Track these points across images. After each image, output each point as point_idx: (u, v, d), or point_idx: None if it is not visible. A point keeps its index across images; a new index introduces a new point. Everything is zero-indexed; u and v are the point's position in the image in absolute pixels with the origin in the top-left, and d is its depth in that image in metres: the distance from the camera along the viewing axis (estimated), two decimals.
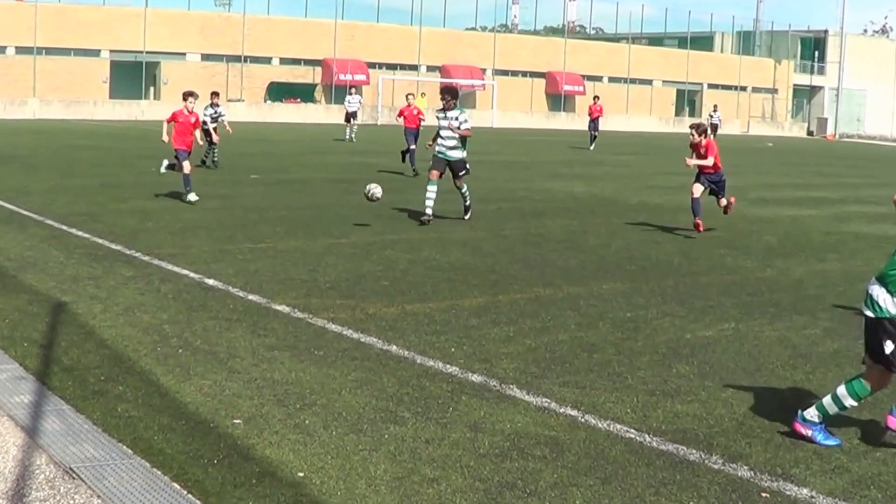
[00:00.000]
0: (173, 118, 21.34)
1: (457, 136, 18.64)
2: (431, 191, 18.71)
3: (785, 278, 14.98)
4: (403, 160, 30.85)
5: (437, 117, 18.94)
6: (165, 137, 21.43)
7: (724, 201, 19.68)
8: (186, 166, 20.96)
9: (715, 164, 19.10)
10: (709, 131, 19.46)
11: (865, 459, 7.39)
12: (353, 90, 52.23)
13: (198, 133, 21.92)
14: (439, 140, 18.84)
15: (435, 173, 18.83)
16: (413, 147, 30.48)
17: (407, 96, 34.77)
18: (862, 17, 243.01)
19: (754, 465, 7.15)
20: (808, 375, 9.57)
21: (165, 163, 21.90)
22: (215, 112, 30.26)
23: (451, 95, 18.80)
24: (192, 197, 20.64)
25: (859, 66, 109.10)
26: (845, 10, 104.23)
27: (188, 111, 21.27)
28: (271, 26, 77.49)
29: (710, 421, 8.05)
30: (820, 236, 20.10)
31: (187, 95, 21.51)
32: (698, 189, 19.11)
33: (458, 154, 18.84)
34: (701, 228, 18.78)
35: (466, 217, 19.49)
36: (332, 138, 49.15)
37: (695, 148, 19.15)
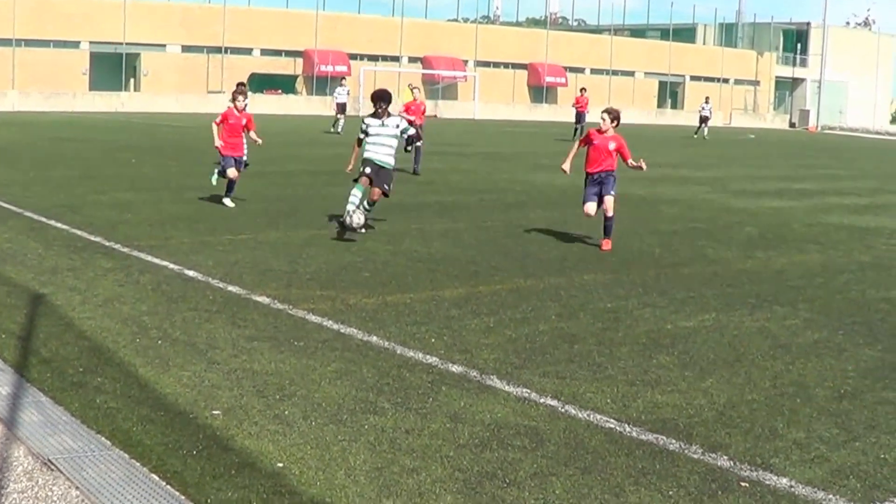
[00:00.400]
0: (223, 120, 19.58)
1: (394, 145, 16.63)
2: (356, 195, 15.95)
3: (766, 269, 15.01)
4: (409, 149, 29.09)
5: (368, 124, 16.44)
6: (218, 142, 19.38)
7: (609, 204, 16.22)
8: (232, 172, 19.08)
9: (607, 158, 16.41)
10: (621, 119, 16.84)
11: (844, 449, 7.40)
12: (344, 81, 52.06)
13: (253, 134, 19.78)
14: (371, 149, 16.38)
15: (366, 180, 16.21)
16: (419, 144, 27.86)
17: (412, 90, 32.29)
18: (844, 9, 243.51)
19: (734, 454, 7.16)
20: (787, 366, 9.59)
21: (216, 172, 19.89)
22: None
23: (386, 103, 16.57)
24: (228, 202, 19.17)
25: (841, 58, 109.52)
26: (828, 2, 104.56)
27: (238, 111, 19.54)
28: (252, 17, 77.33)
29: (689, 411, 8.06)
30: (801, 228, 20.15)
31: (237, 94, 19.82)
32: (591, 208, 16.30)
33: (392, 162, 16.68)
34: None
35: (359, 230, 16.00)
36: (322, 130, 48.97)
37: (597, 137, 16.42)
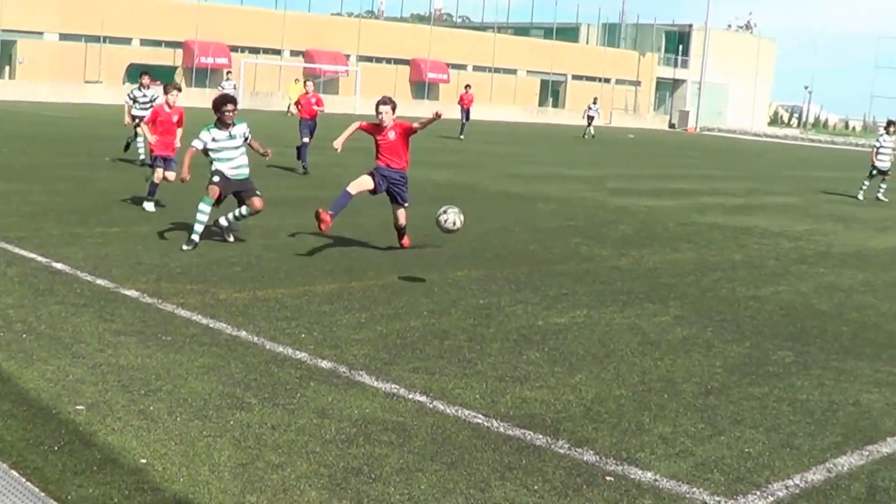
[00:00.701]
0: (153, 117, 18.40)
1: (245, 151, 14.88)
2: (205, 211, 14.36)
3: (639, 267, 15.19)
4: (299, 156, 27.47)
5: (214, 139, 14.55)
6: (152, 138, 18.20)
7: (402, 217, 15.08)
8: (158, 174, 17.83)
9: (404, 156, 14.93)
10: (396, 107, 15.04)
11: (709, 444, 7.53)
12: (228, 73, 51.37)
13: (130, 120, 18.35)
14: (225, 163, 14.66)
15: (217, 190, 14.51)
16: (307, 141, 27.36)
17: (305, 83, 30.86)
18: (727, 11, 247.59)
19: (600, 449, 7.23)
20: (656, 362, 9.73)
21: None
22: (144, 95, 25.14)
23: (234, 104, 14.84)
24: (149, 206, 17.68)
25: (722, 60, 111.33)
26: (710, 5, 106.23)
27: (170, 106, 18.36)
28: (132, 6, 76.10)
29: (557, 406, 8.13)
30: (675, 226, 20.43)
31: (170, 88, 18.54)
32: (366, 182, 14.67)
33: (248, 171, 14.94)
34: (326, 226, 14.11)
35: (232, 239, 15.01)
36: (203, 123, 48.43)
37: (377, 132, 14.87)
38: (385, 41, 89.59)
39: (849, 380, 9.65)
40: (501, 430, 7.50)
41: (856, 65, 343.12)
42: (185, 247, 14.10)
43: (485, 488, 6.43)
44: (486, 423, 7.61)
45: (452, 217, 13.15)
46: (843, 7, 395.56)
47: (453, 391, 8.34)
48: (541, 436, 7.41)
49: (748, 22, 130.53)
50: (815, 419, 8.35)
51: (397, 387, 8.36)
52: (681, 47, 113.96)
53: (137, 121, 23.58)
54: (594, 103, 66.51)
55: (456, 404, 8.01)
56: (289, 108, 59.94)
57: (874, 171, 31.57)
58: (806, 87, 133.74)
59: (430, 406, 7.94)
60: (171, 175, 17.97)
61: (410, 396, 8.14)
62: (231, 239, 15.03)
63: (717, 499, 6.55)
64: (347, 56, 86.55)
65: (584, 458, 7.04)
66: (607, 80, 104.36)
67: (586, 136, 62.35)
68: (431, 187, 24.75)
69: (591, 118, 64.62)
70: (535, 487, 6.49)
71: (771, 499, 6.66)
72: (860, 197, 31.25)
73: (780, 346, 10.72)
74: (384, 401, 7.99)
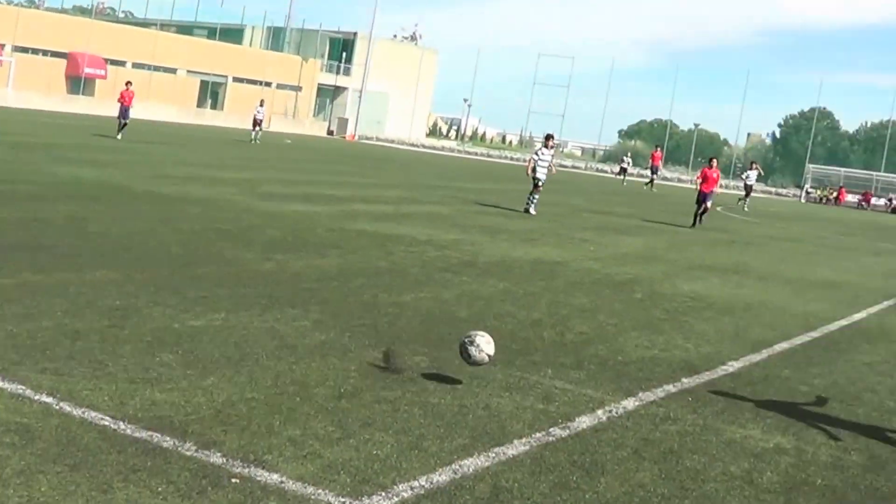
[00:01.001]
0: None
1: None
2: None
3: (283, 271, 15.30)
4: None
5: None
6: None
7: None
8: None
9: None
10: None
11: (338, 446, 7.68)
12: None
13: None
14: None
15: None
16: None
17: None
18: (393, 21, 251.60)
19: (228, 451, 7.28)
20: (291, 366, 9.84)
21: None
22: None
23: None
24: None
25: (385, 69, 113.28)
26: (376, 14, 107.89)
27: None
28: None
29: (187, 409, 8.13)
30: (324, 232, 20.66)
31: None
32: None
33: None
34: None
35: None
36: None
37: None
38: (43, 32, 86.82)
39: (481, 385, 10.02)
40: (129, 431, 7.44)
41: (515, 80, 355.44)
42: None
43: (107, 490, 6.38)
44: (113, 425, 7.53)
45: (484, 353, 10.22)
46: (505, 24, 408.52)
47: (81, 392, 8.21)
48: (168, 438, 7.40)
49: (414, 33, 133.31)
50: (446, 422, 8.66)
51: (23, 387, 8.15)
52: (344, 54, 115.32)
53: None
54: (261, 105, 66.65)
55: (83, 406, 7.89)
56: None
57: (538, 183, 32.56)
58: (465, 100, 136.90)
59: (57, 407, 7.80)
60: None
61: (37, 398, 7.96)
62: None
63: (343, 500, 6.70)
64: (2, 46, 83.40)
65: (211, 460, 7.07)
66: (269, 84, 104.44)
67: (254, 140, 62.59)
68: (77, 186, 24.25)
69: (258, 121, 64.76)
70: (160, 489, 6.48)
71: (396, 499, 6.84)
72: (529, 209, 32.33)
73: (416, 352, 11.02)
74: (9, 402, 7.78)
